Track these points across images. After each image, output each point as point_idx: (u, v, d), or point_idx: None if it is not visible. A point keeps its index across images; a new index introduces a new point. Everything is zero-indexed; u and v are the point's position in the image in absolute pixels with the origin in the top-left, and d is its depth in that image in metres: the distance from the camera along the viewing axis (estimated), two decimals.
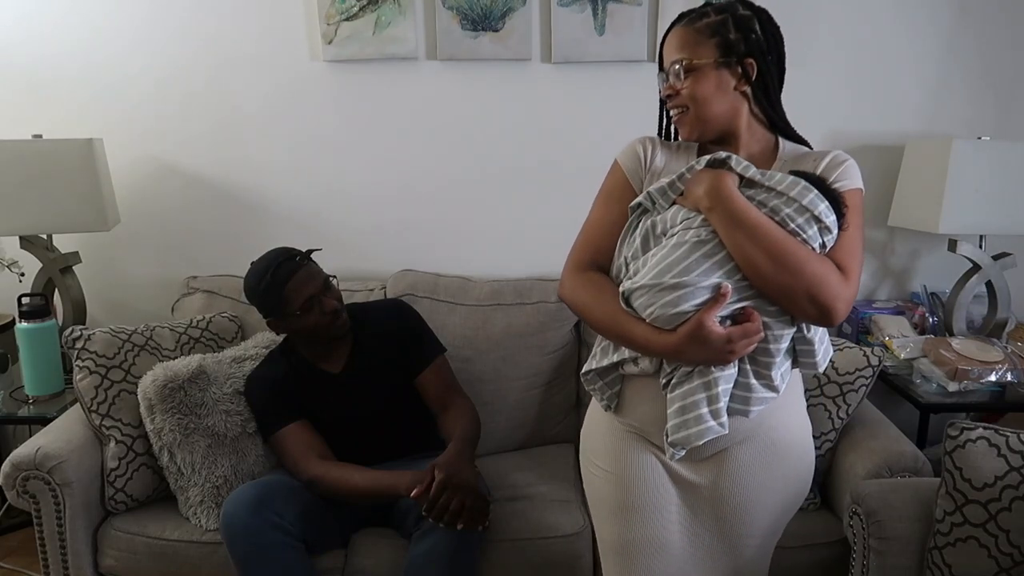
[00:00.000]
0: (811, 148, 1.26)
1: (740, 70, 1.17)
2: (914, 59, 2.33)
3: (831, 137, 2.36)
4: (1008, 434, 1.39)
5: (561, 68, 2.32)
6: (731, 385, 1.12)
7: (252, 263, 1.83)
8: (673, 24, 1.22)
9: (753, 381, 1.13)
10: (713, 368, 1.10)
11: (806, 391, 1.82)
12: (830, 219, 1.08)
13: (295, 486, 1.72)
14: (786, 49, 1.23)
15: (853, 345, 1.92)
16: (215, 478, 1.79)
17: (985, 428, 1.40)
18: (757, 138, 1.23)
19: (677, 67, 1.18)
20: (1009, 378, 2.01)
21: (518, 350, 2.17)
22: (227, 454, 1.82)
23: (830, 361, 1.23)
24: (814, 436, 1.76)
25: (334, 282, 1.85)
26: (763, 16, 1.20)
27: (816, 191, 1.09)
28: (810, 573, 1.76)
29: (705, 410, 1.10)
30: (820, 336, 1.16)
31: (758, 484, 1.22)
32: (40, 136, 2.18)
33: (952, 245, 2.19)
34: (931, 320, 2.31)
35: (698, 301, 1.07)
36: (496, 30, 2.27)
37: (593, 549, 1.77)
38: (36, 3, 2.30)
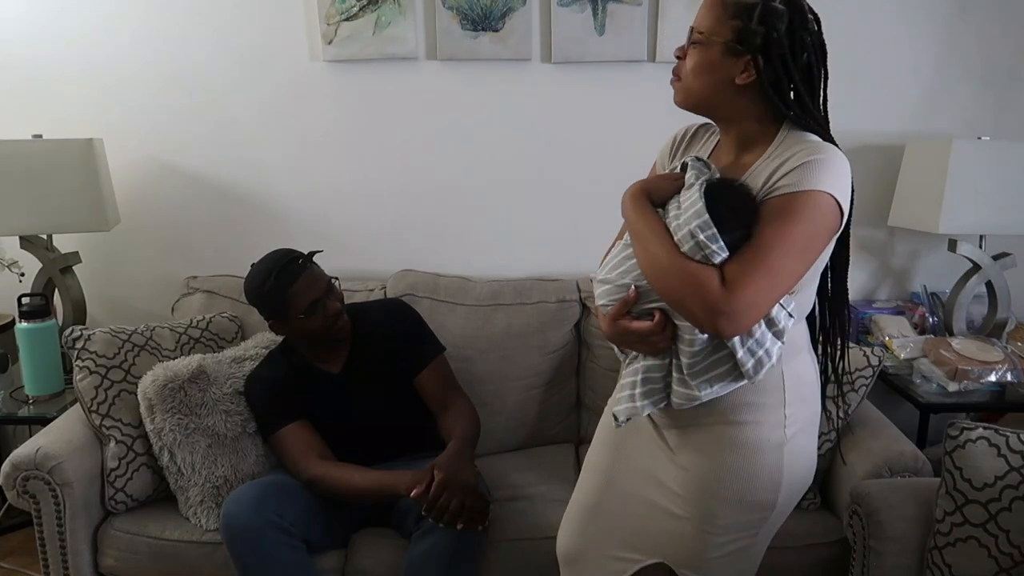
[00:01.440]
0: (825, 141, 1.16)
1: (744, 64, 1.12)
2: (914, 59, 2.33)
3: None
4: (1008, 434, 1.39)
5: (561, 68, 2.32)
6: (661, 374, 1.19)
7: (253, 265, 1.83)
8: None
9: (676, 375, 1.17)
10: (645, 358, 1.19)
11: None
12: (706, 235, 1.05)
13: (295, 486, 1.72)
14: (823, 59, 1.17)
15: (853, 345, 1.92)
16: (215, 478, 1.79)
17: (985, 428, 1.40)
18: (755, 126, 1.18)
19: (692, 35, 1.15)
20: (1009, 378, 2.01)
21: (518, 350, 2.17)
22: (227, 454, 1.82)
23: (773, 369, 1.15)
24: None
25: (336, 284, 1.85)
26: (798, 13, 1.11)
27: (705, 214, 1.06)
28: (810, 573, 1.76)
29: (630, 392, 1.21)
30: (741, 342, 1.10)
31: (698, 465, 1.22)
32: (40, 136, 2.18)
33: (952, 245, 2.19)
34: (931, 320, 2.31)
35: (615, 297, 1.18)
36: (496, 30, 2.27)
37: None
38: (36, 3, 2.30)
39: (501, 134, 2.37)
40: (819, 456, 1.77)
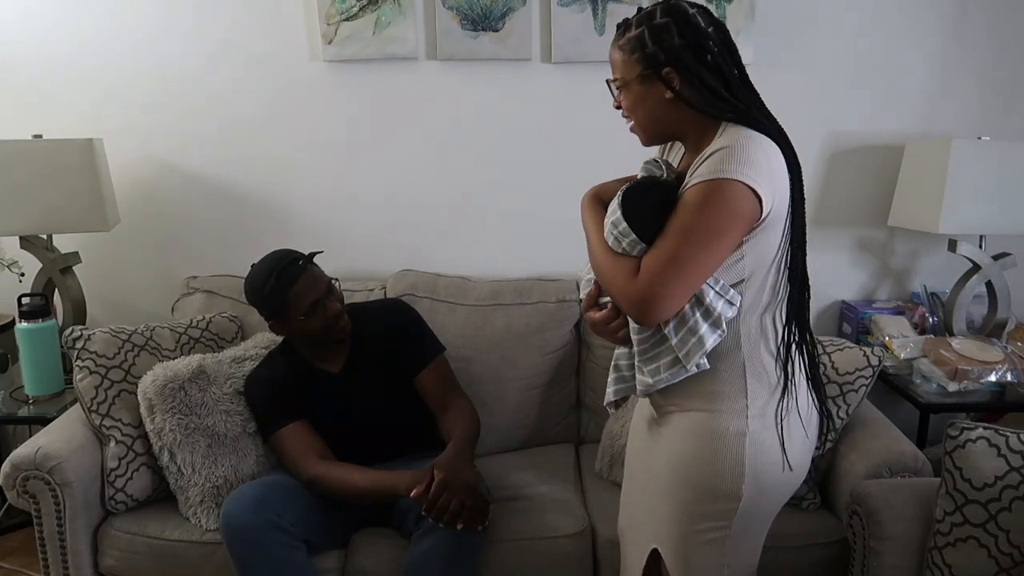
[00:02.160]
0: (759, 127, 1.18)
1: (664, 81, 1.18)
2: (914, 59, 2.33)
3: (831, 137, 2.36)
4: (1008, 434, 1.39)
5: (561, 68, 2.32)
6: (626, 362, 1.32)
7: (253, 265, 1.83)
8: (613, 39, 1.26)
9: (636, 362, 1.26)
10: (619, 347, 1.32)
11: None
12: (619, 229, 1.15)
13: (295, 486, 1.72)
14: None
15: (853, 345, 1.92)
16: (215, 478, 1.79)
17: (985, 428, 1.40)
18: (698, 131, 1.22)
19: (614, 85, 1.24)
20: (1009, 378, 2.01)
21: (518, 350, 2.17)
22: (227, 454, 1.82)
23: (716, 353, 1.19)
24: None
25: (336, 285, 1.85)
26: (681, 17, 1.17)
27: (617, 211, 1.16)
28: (810, 573, 1.76)
29: (610, 376, 1.36)
30: (675, 329, 1.16)
31: (668, 450, 1.29)
32: (40, 136, 2.18)
33: (952, 245, 2.19)
34: (931, 320, 2.31)
35: (587, 290, 1.31)
36: (496, 30, 2.27)
37: (593, 549, 1.77)
38: (37, 3, 2.30)
39: (501, 134, 2.37)
40: (819, 456, 1.80)
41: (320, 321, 1.78)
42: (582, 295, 1.34)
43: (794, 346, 1.25)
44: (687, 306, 1.15)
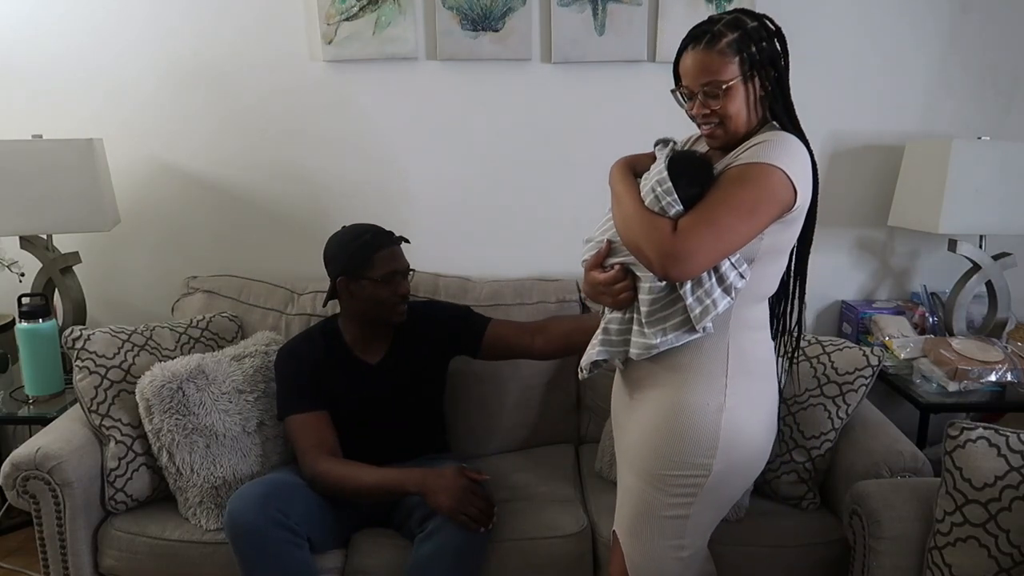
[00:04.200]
0: (793, 135, 1.29)
1: (759, 80, 1.26)
2: (914, 59, 2.33)
3: (831, 137, 2.36)
4: (1008, 434, 1.39)
5: (561, 68, 2.32)
6: (618, 326, 1.35)
7: (344, 227, 1.86)
8: (686, 45, 1.28)
9: (635, 327, 1.31)
10: (611, 311, 1.36)
11: (806, 391, 1.84)
12: (663, 188, 1.22)
13: (299, 485, 1.72)
14: (788, 49, 1.31)
15: (853, 345, 1.92)
16: (214, 479, 1.79)
17: (985, 428, 1.40)
18: (750, 132, 1.31)
19: (709, 89, 1.26)
20: (1009, 378, 2.01)
21: None
22: (226, 454, 1.82)
23: (720, 317, 1.26)
24: (813, 436, 1.80)
25: (411, 276, 1.87)
26: (764, 22, 1.27)
27: (664, 172, 1.23)
28: (810, 573, 1.76)
29: (595, 339, 1.39)
30: (691, 290, 1.23)
31: (645, 422, 1.36)
32: (40, 136, 2.18)
33: (952, 245, 2.19)
34: (931, 320, 2.31)
35: (594, 250, 1.36)
36: (496, 30, 2.27)
37: (594, 549, 1.77)
38: (36, 3, 2.30)
39: (501, 134, 2.37)
40: (819, 456, 1.80)
41: (388, 293, 1.79)
42: (586, 256, 1.37)
43: (782, 337, 1.40)
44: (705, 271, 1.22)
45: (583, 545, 1.76)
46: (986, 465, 1.37)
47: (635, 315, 1.31)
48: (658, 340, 1.26)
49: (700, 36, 1.26)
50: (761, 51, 1.24)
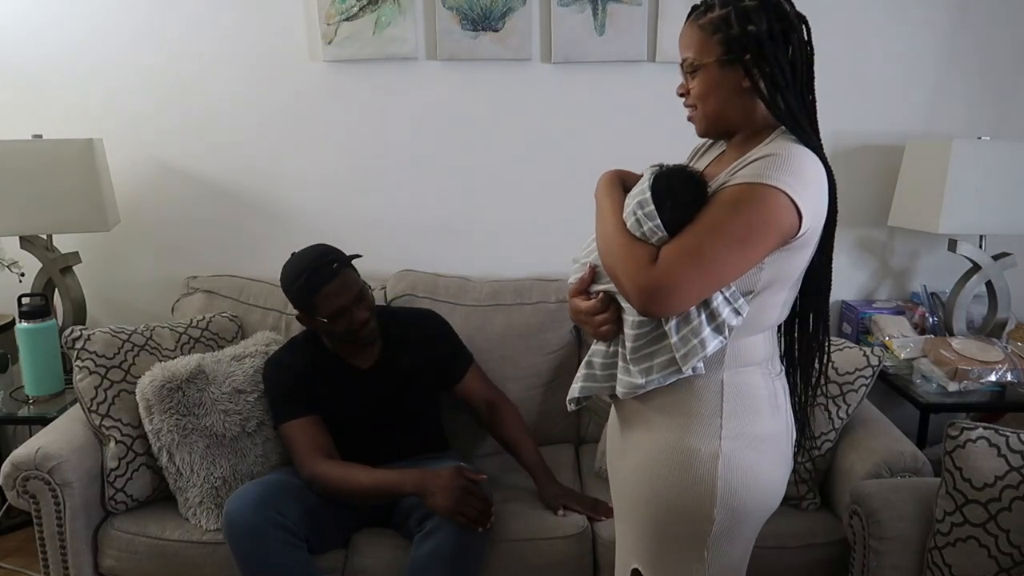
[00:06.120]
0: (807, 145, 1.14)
1: (744, 67, 1.10)
2: (914, 59, 2.33)
3: (831, 137, 2.35)
4: (1008, 434, 1.39)
5: (561, 68, 2.32)
6: (601, 360, 1.22)
7: (293, 254, 1.84)
8: (688, 18, 1.17)
9: (621, 363, 1.17)
10: (596, 342, 1.23)
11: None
12: (645, 211, 1.07)
13: (298, 485, 1.73)
14: (809, 44, 1.15)
15: (853, 345, 1.92)
16: (214, 479, 1.79)
17: (985, 428, 1.40)
18: (753, 131, 1.16)
19: (686, 66, 1.15)
20: (1009, 378, 2.01)
21: (518, 350, 2.17)
22: (226, 454, 1.82)
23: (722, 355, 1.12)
24: (814, 436, 1.79)
25: (368, 291, 1.84)
26: (772, 11, 1.08)
27: (647, 192, 1.08)
28: (810, 573, 1.76)
29: (579, 372, 1.26)
30: (677, 328, 1.08)
31: (637, 466, 1.21)
32: (40, 136, 2.18)
33: (952, 245, 2.19)
34: (931, 320, 2.31)
35: (579, 275, 1.23)
36: (496, 30, 2.27)
37: (593, 549, 1.77)
38: (36, 3, 2.30)
39: (501, 134, 2.37)
40: (819, 456, 1.80)
41: (344, 326, 1.78)
42: (572, 280, 1.24)
43: (797, 368, 1.22)
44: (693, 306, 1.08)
45: (583, 546, 1.76)
46: (986, 465, 1.37)
47: (620, 349, 1.17)
48: (643, 380, 1.12)
49: (696, 8, 1.15)
50: (745, 35, 1.07)
